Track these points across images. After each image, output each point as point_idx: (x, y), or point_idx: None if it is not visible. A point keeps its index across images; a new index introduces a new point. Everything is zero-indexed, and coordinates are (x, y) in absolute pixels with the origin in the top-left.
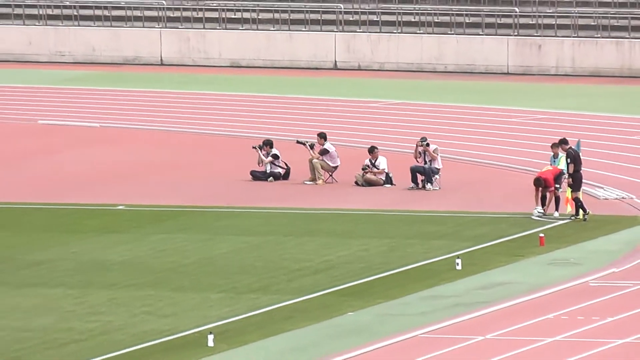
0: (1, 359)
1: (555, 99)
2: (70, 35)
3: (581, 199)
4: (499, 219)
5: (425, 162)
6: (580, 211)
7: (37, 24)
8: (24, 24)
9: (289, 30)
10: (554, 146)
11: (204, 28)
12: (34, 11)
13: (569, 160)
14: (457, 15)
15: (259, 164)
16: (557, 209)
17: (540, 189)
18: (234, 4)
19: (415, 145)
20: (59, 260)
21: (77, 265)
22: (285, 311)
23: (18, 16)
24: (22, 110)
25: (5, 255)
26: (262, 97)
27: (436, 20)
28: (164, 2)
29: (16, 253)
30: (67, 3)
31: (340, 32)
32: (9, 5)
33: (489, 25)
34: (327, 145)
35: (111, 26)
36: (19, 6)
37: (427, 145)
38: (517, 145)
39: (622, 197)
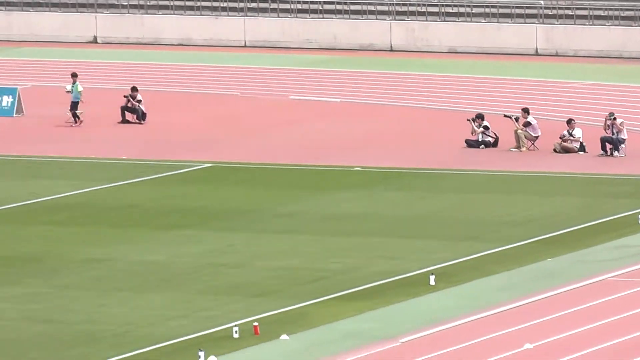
0: (259, 291)
1: None
2: (316, 26)
3: None
4: None
5: (613, 133)
6: None
7: (289, 16)
8: (278, 17)
9: (498, 22)
10: None
11: (426, 20)
12: (287, 6)
13: None
14: None
15: (472, 133)
16: None
17: None
18: (452, 1)
19: (604, 119)
20: (305, 212)
21: (320, 216)
22: (494, 257)
23: (274, 10)
24: (277, 88)
25: (262, 207)
26: (475, 78)
27: (622, 15)
28: None
29: (270, 205)
30: None
31: (540, 24)
32: (265, 0)
33: None
34: (530, 118)
35: (349, 18)
36: (275, 1)
37: (615, 119)
38: None
39: None
